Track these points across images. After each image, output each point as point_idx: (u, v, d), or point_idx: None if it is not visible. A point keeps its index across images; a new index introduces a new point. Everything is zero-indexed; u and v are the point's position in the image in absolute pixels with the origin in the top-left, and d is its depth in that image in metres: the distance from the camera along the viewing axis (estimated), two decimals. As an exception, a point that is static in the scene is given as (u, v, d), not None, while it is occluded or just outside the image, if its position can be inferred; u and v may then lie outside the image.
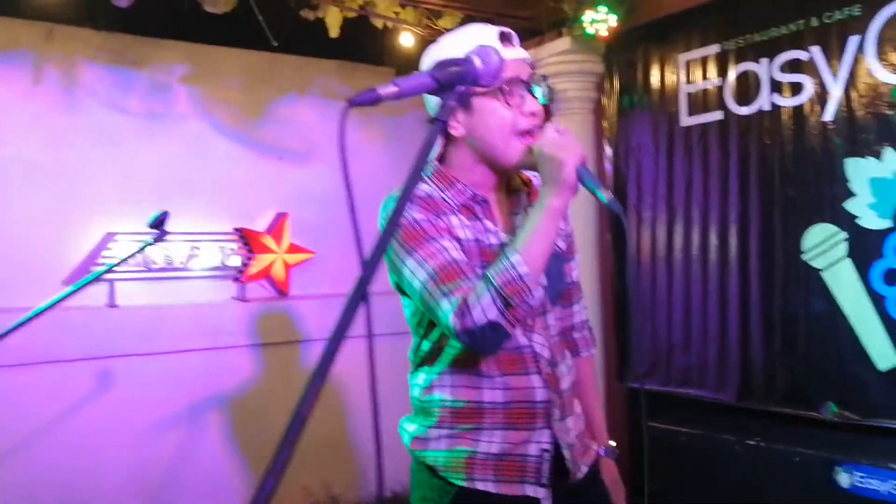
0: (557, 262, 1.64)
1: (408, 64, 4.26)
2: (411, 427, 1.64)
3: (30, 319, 2.40)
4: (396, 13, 3.57)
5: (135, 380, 3.86)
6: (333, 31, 3.56)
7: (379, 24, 3.69)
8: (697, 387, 3.44)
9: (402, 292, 1.60)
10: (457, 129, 1.54)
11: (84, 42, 3.87)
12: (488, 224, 1.56)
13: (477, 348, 1.48)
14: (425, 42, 3.85)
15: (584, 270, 3.90)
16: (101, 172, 3.93)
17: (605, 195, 1.40)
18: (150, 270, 4.00)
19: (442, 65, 1.19)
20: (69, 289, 2.51)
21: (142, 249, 2.88)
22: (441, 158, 1.61)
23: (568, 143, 1.42)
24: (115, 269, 2.79)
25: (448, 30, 3.68)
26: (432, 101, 1.55)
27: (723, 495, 3.15)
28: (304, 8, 3.58)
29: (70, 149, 3.85)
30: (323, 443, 4.18)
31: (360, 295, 1.01)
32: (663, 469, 3.34)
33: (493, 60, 1.19)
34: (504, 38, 1.49)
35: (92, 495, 3.67)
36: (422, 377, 1.62)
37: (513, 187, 1.65)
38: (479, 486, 1.52)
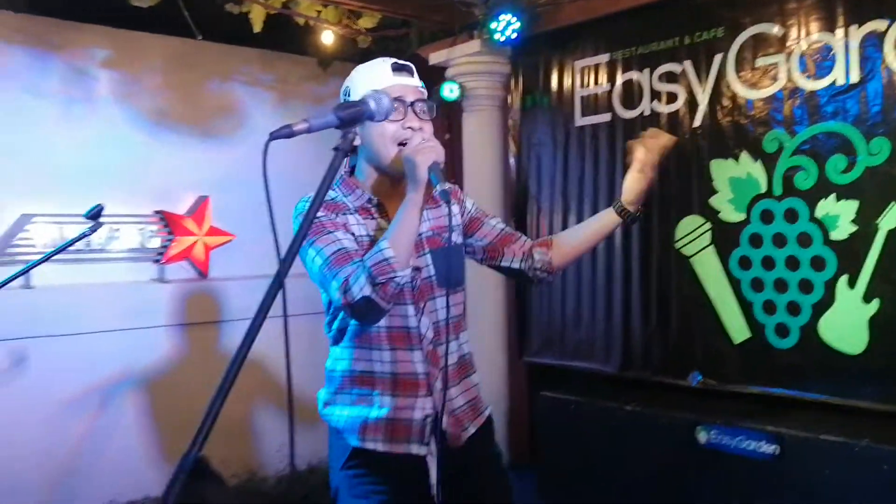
0: (448, 254, 2.12)
1: (328, 55, 4.89)
2: (322, 394, 2.19)
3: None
4: (318, 12, 4.19)
5: (51, 361, 4.19)
6: (257, 27, 4.14)
7: (301, 21, 4.30)
8: (586, 360, 4.25)
9: None
10: (356, 139, 2.02)
11: (1, 24, 4.21)
12: (382, 222, 2.01)
13: (359, 320, 1.92)
14: (345, 40, 4.50)
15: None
16: (18, 155, 4.25)
17: (440, 187, 1.80)
18: (68, 251, 4.34)
19: (344, 106, 1.65)
20: (24, 266, 3.04)
21: (80, 238, 3.26)
22: (353, 170, 2.14)
23: (424, 147, 1.86)
24: (59, 252, 3.23)
25: (368, 29, 4.35)
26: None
27: (605, 454, 3.94)
28: (229, 2, 4.16)
29: (-15, 131, 4.18)
30: (241, 419, 4.73)
31: (279, 280, 1.31)
32: (556, 433, 4.14)
33: (384, 103, 1.67)
34: (396, 68, 1.99)
35: (4, 477, 4.01)
36: (333, 351, 2.09)
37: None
38: (370, 445, 1.98)
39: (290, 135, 1.46)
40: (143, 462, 4.44)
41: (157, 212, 4.70)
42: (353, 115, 1.62)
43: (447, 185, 1.86)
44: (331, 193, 2.05)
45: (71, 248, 4.26)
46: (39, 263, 3.11)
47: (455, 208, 2.17)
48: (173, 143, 4.76)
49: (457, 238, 2.15)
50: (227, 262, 4.85)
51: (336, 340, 2.10)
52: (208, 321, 4.78)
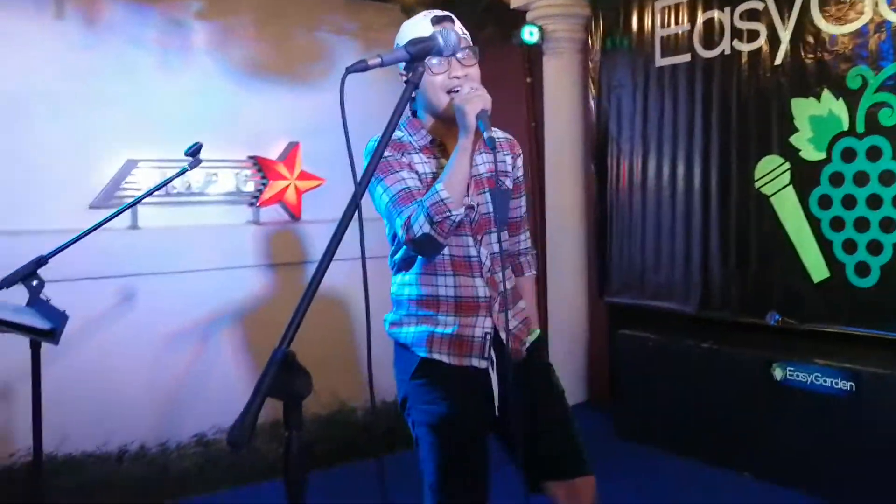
0: (503, 196, 2.35)
1: (411, 2, 5.04)
2: (390, 316, 2.42)
3: (80, 238, 2.99)
4: (400, -41, 4.34)
5: (155, 297, 4.54)
6: (342, -25, 4.35)
7: (383, -32, 4.47)
8: (665, 300, 4.37)
9: None
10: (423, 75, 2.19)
11: (103, -21, 4.48)
12: (443, 161, 2.21)
13: (420, 253, 2.16)
14: (425, -14, 4.64)
15: (572, 198, 4.80)
16: (122, 103, 4.53)
17: (487, 134, 1.98)
18: (170, 195, 4.66)
19: (413, 42, 1.78)
20: (118, 208, 3.26)
21: (180, 174, 3.52)
22: (414, 113, 2.32)
23: (472, 96, 2.03)
24: (155, 192, 3.51)
25: (447, -23, 4.48)
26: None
27: (681, 391, 4.08)
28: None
29: (91, 81, 4.46)
30: (331, 353, 4.91)
31: (354, 206, 1.45)
32: (635, 369, 4.29)
33: (451, 38, 1.82)
34: (435, 20, 2.10)
35: (114, 404, 4.37)
36: (398, 278, 2.30)
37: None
38: (436, 356, 2.21)
39: (365, 68, 1.61)
40: (242, 392, 4.58)
41: (251, 157, 4.96)
42: (422, 50, 1.76)
43: (494, 132, 2.05)
44: (397, 133, 2.25)
45: (173, 191, 4.67)
46: (144, 198, 3.38)
47: (508, 159, 2.37)
48: (265, 92, 4.98)
49: (508, 183, 2.36)
50: (317, 205, 5.09)
51: (401, 268, 2.32)
52: (299, 261, 5.06)
